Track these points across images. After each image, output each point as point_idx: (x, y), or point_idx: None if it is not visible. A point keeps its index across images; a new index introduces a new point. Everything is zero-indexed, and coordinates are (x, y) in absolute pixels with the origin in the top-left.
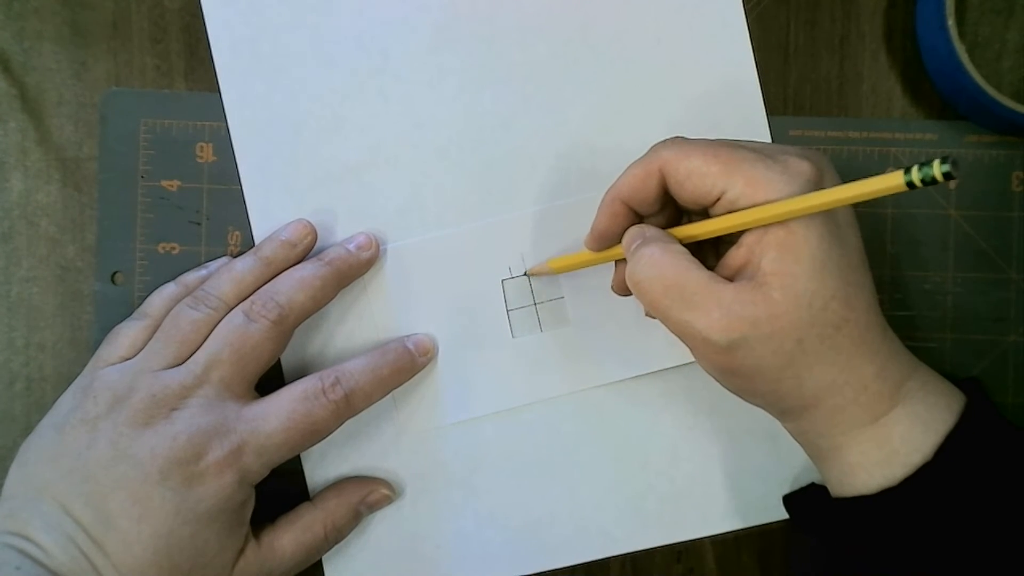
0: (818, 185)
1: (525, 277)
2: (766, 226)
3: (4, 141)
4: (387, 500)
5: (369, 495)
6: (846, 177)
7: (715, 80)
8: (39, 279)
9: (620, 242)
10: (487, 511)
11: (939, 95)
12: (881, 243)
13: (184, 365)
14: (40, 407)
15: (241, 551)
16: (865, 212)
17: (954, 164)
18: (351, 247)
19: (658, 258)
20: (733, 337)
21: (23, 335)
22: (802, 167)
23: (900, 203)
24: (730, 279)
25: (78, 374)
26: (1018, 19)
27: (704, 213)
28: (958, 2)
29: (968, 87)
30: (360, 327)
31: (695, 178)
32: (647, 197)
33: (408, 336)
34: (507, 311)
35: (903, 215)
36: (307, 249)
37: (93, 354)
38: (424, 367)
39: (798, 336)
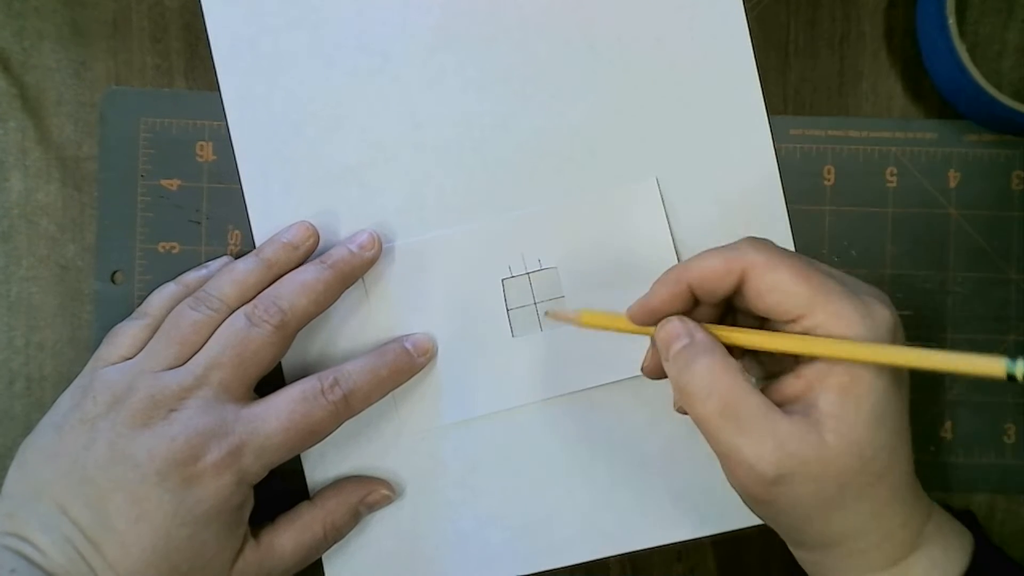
0: (894, 336)
1: (525, 276)
2: (830, 364)
3: (4, 141)
4: (387, 500)
5: (369, 495)
6: (845, 177)
7: (715, 80)
8: (39, 279)
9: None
10: (487, 511)
11: (939, 95)
12: (881, 243)
13: (184, 366)
14: (40, 407)
15: (240, 551)
16: (865, 212)
17: None
18: (353, 247)
19: (718, 375)
20: (782, 472)
21: (23, 335)
22: (885, 315)
23: (900, 203)
24: (778, 405)
25: (78, 374)
26: (1018, 19)
27: (758, 318)
28: (958, 2)
29: (968, 87)
30: (359, 327)
31: (778, 293)
32: (719, 290)
33: (407, 336)
34: (507, 311)
35: (903, 215)
36: (309, 252)
37: (93, 354)
38: (423, 367)
39: (843, 482)
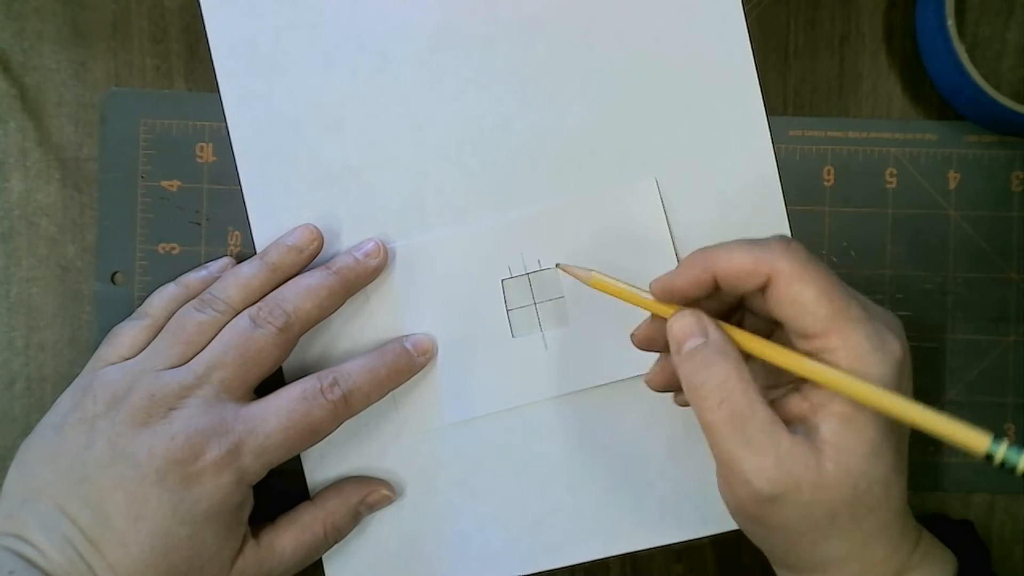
0: (901, 370)
1: (525, 277)
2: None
3: (4, 141)
4: (387, 500)
5: (369, 495)
6: (845, 178)
7: (715, 80)
8: (39, 279)
9: (682, 303)
10: (487, 511)
11: (939, 95)
12: (881, 243)
13: (186, 366)
14: (40, 407)
15: (240, 551)
16: (864, 212)
17: None
18: (359, 255)
19: (733, 383)
20: (776, 491)
21: (23, 335)
22: (895, 349)
23: (899, 204)
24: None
25: (78, 374)
26: (1018, 19)
27: (769, 321)
28: (958, 2)
29: (968, 87)
30: (360, 327)
31: (799, 308)
32: (742, 288)
33: (407, 336)
34: (507, 311)
35: (903, 215)
36: (313, 255)
37: (93, 354)
38: (423, 367)
39: (834, 511)
